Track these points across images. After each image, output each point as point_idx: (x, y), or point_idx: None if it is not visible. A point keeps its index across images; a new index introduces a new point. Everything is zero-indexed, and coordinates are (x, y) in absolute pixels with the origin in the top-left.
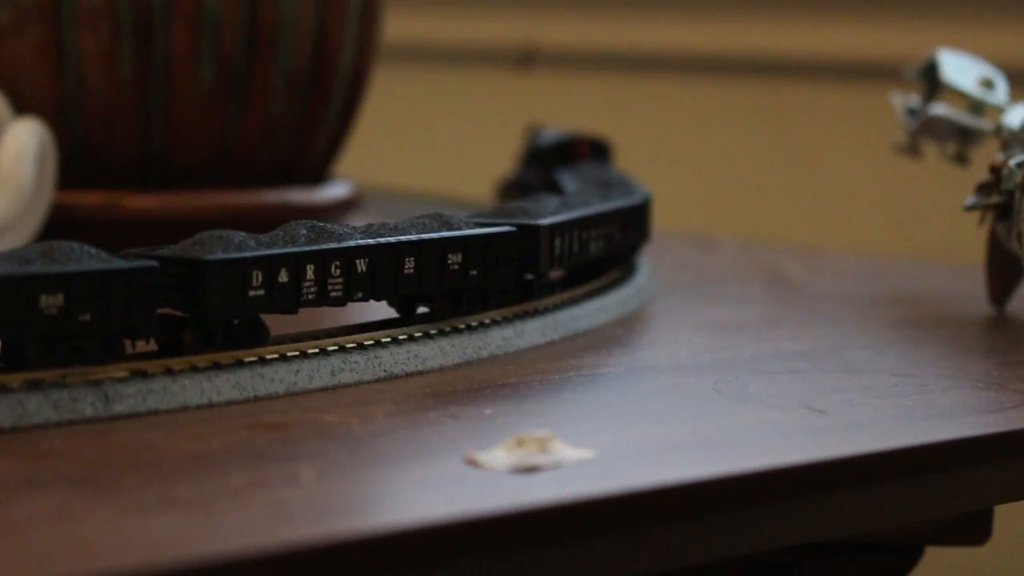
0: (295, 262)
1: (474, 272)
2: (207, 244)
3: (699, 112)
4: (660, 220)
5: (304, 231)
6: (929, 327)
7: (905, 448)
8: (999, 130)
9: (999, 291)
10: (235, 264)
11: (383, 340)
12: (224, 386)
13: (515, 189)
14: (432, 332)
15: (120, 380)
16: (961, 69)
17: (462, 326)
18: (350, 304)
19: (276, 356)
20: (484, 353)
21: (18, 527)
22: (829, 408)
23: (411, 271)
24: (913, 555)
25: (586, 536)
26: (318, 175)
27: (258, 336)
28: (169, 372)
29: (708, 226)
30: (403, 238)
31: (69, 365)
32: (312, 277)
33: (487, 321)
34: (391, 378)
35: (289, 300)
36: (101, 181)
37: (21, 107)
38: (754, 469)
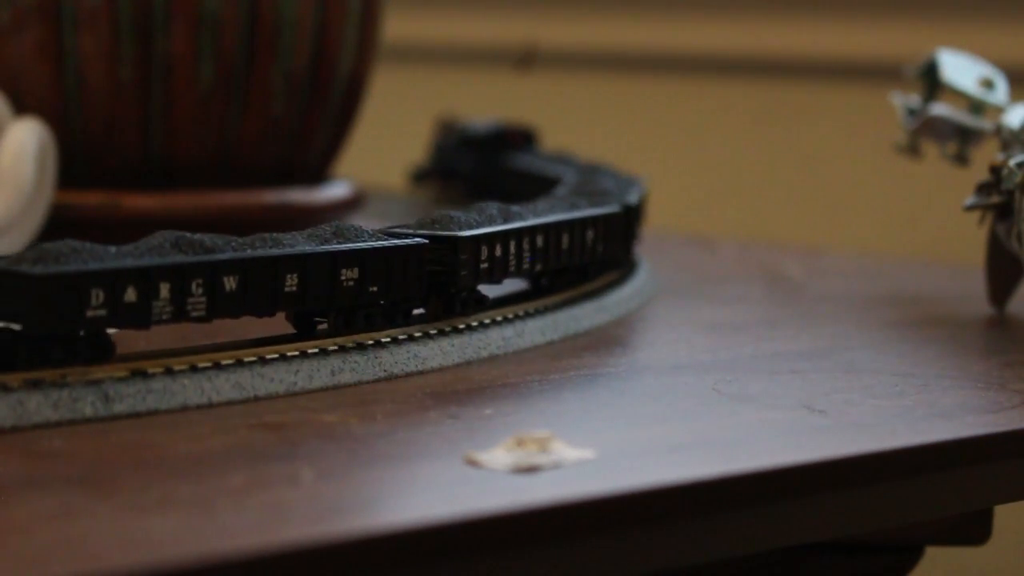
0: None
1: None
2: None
3: (699, 112)
4: (660, 220)
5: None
6: (929, 327)
7: (905, 448)
8: (999, 130)
9: (999, 291)
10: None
11: (383, 340)
12: (224, 386)
13: (429, 176)
14: (432, 332)
15: (120, 380)
16: (961, 69)
17: (462, 326)
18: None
19: (276, 356)
20: (484, 353)
21: (18, 527)
22: (829, 408)
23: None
24: (913, 555)
25: (586, 536)
26: (318, 175)
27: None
28: (169, 372)
29: (708, 226)
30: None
31: (378, 329)
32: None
33: (487, 321)
34: (391, 378)
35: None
36: (101, 181)
37: (21, 107)
38: (754, 469)
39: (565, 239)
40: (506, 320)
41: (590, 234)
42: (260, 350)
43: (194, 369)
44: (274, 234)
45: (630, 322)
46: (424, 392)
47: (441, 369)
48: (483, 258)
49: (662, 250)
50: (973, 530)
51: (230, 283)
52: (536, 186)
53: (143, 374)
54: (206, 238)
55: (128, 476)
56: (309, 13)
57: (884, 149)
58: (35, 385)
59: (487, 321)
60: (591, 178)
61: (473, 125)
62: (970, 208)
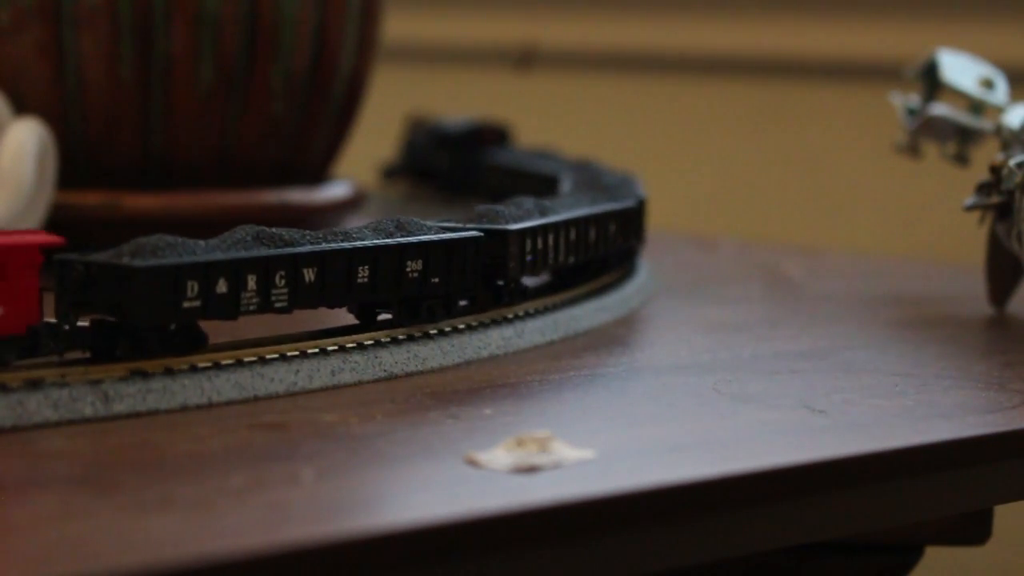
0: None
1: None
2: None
3: (699, 112)
4: (660, 220)
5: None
6: (929, 327)
7: (905, 448)
8: (999, 130)
9: (999, 291)
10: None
11: (383, 340)
12: (224, 386)
13: (400, 173)
14: (432, 332)
15: (120, 380)
16: (961, 69)
17: (462, 326)
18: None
19: (276, 356)
20: (484, 353)
21: (18, 527)
22: (829, 408)
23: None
24: (913, 555)
25: (586, 536)
26: (318, 175)
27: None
28: (169, 372)
29: (708, 226)
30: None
31: (438, 320)
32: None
33: (487, 321)
34: (391, 378)
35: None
36: (101, 181)
37: (21, 107)
38: (754, 469)
39: (592, 232)
40: (506, 320)
41: (612, 227)
42: (260, 350)
43: (194, 369)
44: (343, 228)
45: (630, 322)
46: (424, 392)
47: (441, 369)
48: (528, 250)
49: (662, 250)
50: (973, 530)
51: (309, 275)
52: (522, 182)
53: (143, 374)
54: (284, 232)
55: (128, 476)
56: (309, 13)
57: (884, 149)
58: (35, 385)
59: (487, 321)
60: (594, 174)
61: (448, 123)
62: (970, 208)
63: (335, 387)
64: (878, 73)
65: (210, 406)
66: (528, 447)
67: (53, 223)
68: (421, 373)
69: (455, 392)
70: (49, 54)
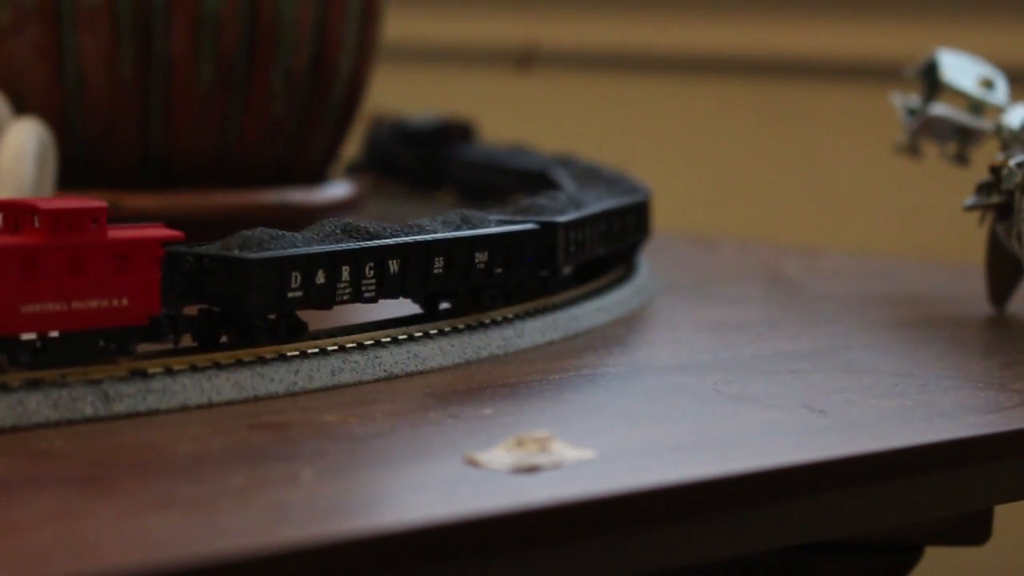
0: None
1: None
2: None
3: (699, 112)
4: (660, 220)
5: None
6: (929, 327)
7: (905, 448)
8: (999, 130)
9: (999, 291)
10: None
11: (383, 340)
12: (224, 386)
13: (362, 170)
14: (432, 332)
15: (120, 379)
16: (961, 69)
17: (462, 326)
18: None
19: (276, 356)
20: (484, 353)
21: (18, 527)
22: (829, 408)
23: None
24: (913, 555)
25: (586, 536)
26: (318, 175)
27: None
28: (169, 372)
29: (708, 226)
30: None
31: (499, 307)
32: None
33: (487, 321)
34: (391, 378)
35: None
36: (101, 181)
37: (21, 107)
38: (754, 469)
39: (617, 224)
40: (506, 320)
41: (631, 220)
42: (260, 350)
43: (194, 369)
44: (415, 221)
45: (630, 322)
46: (424, 392)
47: (441, 369)
48: (571, 241)
49: (662, 250)
50: (973, 530)
51: (393, 266)
52: (498, 178)
53: (143, 374)
54: (369, 225)
55: (128, 476)
56: (309, 13)
57: (884, 149)
58: (35, 385)
59: (487, 321)
60: (589, 169)
61: (412, 120)
62: (970, 208)
63: (335, 387)
64: (878, 73)
65: (210, 406)
66: (528, 447)
67: None
68: (421, 373)
69: (455, 392)
70: (49, 54)
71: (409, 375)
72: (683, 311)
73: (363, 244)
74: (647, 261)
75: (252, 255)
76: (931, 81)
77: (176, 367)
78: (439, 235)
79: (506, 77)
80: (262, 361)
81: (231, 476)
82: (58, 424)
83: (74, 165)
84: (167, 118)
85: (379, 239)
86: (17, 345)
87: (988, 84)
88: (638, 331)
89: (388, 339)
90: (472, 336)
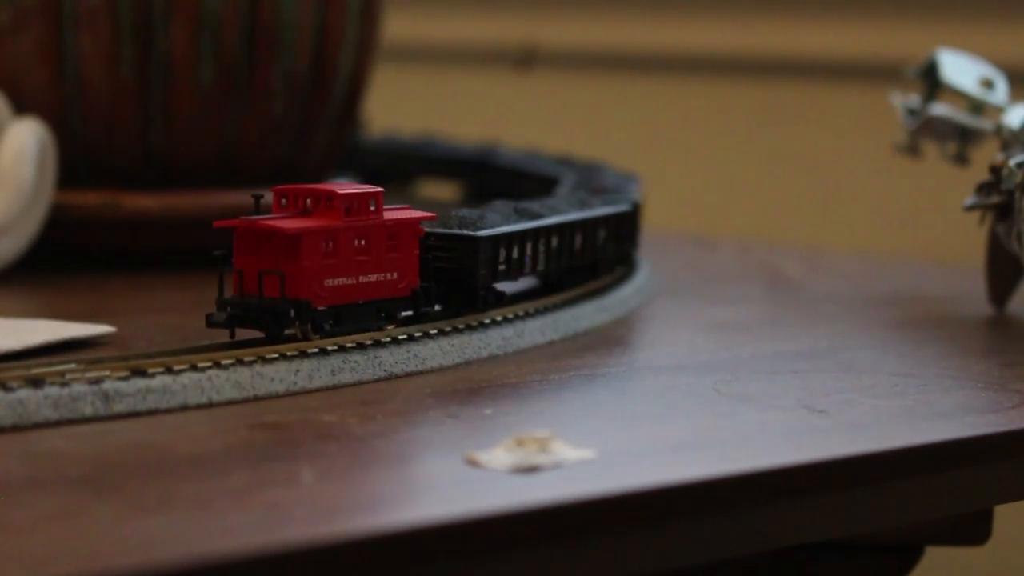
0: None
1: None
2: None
3: (699, 112)
4: (660, 220)
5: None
6: (929, 327)
7: (905, 448)
8: (999, 130)
9: (999, 291)
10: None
11: (383, 340)
12: (224, 386)
13: None
14: (432, 332)
15: (120, 379)
16: (961, 69)
17: (462, 326)
18: None
19: (276, 356)
20: (484, 353)
21: (19, 527)
22: (829, 408)
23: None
24: (913, 555)
25: (586, 536)
26: (318, 175)
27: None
28: (169, 371)
29: (708, 226)
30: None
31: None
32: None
33: (487, 321)
34: (391, 378)
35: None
36: (101, 181)
37: (21, 107)
38: (754, 469)
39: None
40: (506, 320)
41: (630, 223)
42: (260, 350)
43: (194, 369)
44: (546, 200)
45: (630, 322)
46: (424, 392)
47: (441, 369)
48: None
49: (662, 250)
50: (973, 530)
51: (554, 242)
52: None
53: (143, 374)
54: (532, 205)
55: (128, 476)
56: (309, 13)
57: (884, 149)
58: (35, 385)
59: (487, 321)
60: (594, 173)
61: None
62: (970, 208)
63: (335, 387)
64: (878, 73)
65: (210, 406)
66: (528, 447)
67: (53, 223)
68: (421, 373)
69: (455, 392)
70: (49, 54)
71: (409, 375)
72: (683, 311)
73: (542, 223)
74: (647, 261)
75: (482, 232)
76: (931, 81)
77: (176, 367)
78: (585, 214)
79: (506, 77)
80: (262, 361)
81: (231, 476)
82: (58, 424)
83: (74, 165)
84: (167, 118)
85: (540, 219)
86: (320, 315)
87: (988, 84)
88: (638, 331)
89: (388, 339)
90: (472, 336)
